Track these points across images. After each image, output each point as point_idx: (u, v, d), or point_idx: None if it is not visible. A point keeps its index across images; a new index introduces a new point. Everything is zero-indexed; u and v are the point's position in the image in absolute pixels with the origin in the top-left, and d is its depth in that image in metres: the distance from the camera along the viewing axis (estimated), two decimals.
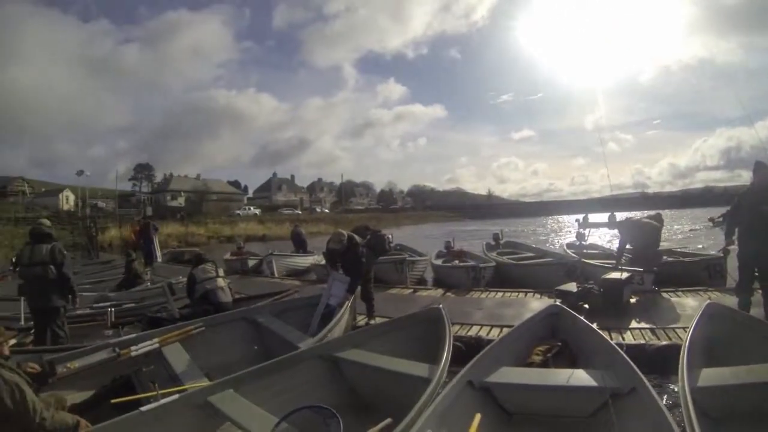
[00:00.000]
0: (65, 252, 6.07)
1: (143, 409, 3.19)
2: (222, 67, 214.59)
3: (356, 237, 6.93)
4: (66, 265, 5.88)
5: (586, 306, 6.70)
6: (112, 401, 3.74)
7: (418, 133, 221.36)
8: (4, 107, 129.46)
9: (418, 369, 3.83)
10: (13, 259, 13.70)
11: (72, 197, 60.36)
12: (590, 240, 13.10)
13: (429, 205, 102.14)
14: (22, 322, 6.36)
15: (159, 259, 15.30)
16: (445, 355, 3.93)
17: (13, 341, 4.38)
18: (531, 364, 4.13)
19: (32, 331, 5.95)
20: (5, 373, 3.06)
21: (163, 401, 3.33)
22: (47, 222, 6.47)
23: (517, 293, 8.61)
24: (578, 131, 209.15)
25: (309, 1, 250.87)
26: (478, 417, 2.92)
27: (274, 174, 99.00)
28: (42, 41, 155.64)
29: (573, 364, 4.07)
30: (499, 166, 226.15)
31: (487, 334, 6.09)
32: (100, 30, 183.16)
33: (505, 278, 10.89)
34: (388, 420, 2.86)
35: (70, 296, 6.00)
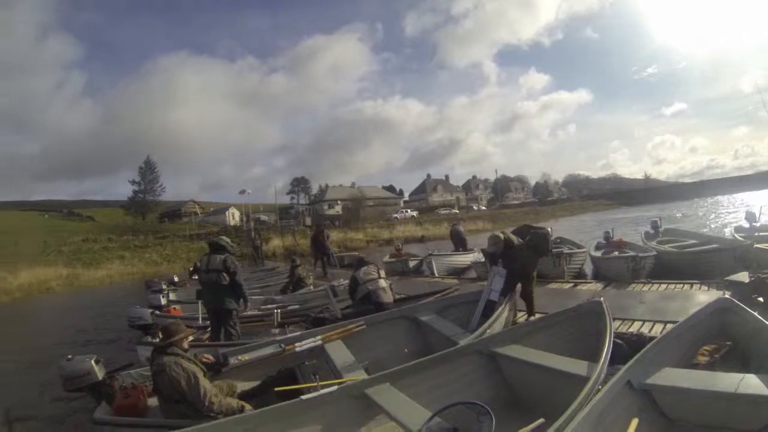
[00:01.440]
0: (237, 262, 6.85)
1: (304, 397, 3.52)
2: (364, 80, 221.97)
3: (513, 238, 6.88)
4: (237, 274, 6.63)
5: (761, 299, 5.77)
6: (276, 389, 4.17)
7: (567, 120, 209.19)
8: (174, 144, 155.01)
9: (576, 366, 3.71)
10: (191, 269, 15.75)
11: (237, 213, 68.15)
12: (763, 220, 12.10)
13: (585, 194, 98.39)
14: (200, 322, 7.34)
15: (337, 266, 15.95)
16: (605, 353, 3.75)
17: (191, 338, 5.04)
18: (696, 366, 3.79)
19: (208, 329, 6.83)
20: (184, 363, 3.77)
21: (322, 391, 3.62)
22: (225, 238, 7.33)
23: (681, 285, 8.02)
24: (735, 97, 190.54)
25: (436, 5, 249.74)
26: (635, 422, 2.80)
27: (428, 175, 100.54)
28: (198, 84, 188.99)
29: (744, 368, 3.59)
30: (654, 146, 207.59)
31: (649, 331, 5.70)
32: (247, 66, 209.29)
33: (668, 268, 10.23)
34: (541, 420, 2.81)
35: (241, 300, 6.76)
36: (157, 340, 4.39)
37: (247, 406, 3.87)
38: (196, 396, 3.70)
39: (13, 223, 53.66)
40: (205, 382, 3.81)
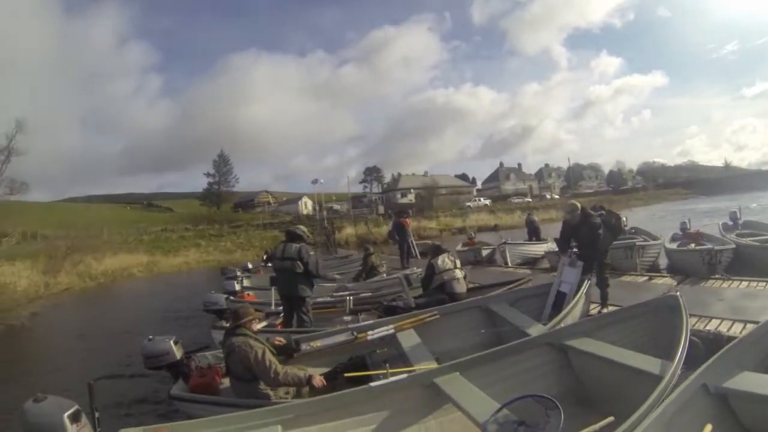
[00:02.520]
0: (312, 252, 7.05)
1: (373, 384, 3.59)
2: (435, 68, 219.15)
3: (589, 209, 6.81)
4: (311, 263, 6.79)
5: None
6: (346, 375, 4.29)
7: (641, 105, 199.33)
8: (249, 138, 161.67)
9: (649, 364, 3.55)
10: (264, 257, 16.30)
11: (309, 203, 69.89)
12: None
13: (660, 183, 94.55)
14: (272, 308, 7.61)
15: (417, 255, 15.92)
16: (680, 352, 3.57)
17: (264, 323, 5.29)
18: None
19: (281, 315, 7.04)
20: (251, 341, 4.12)
21: (392, 379, 3.69)
22: (302, 227, 7.59)
23: (764, 283, 7.49)
24: None
25: None
26: (708, 428, 2.67)
27: (501, 164, 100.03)
28: (270, 79, 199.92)
29: None
30: (734, 131, 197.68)
31: (728, 330, 5.39)
32: (317, 60, 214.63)
33: (748, 264, 9.71)
34: (611, 418, 2.73)
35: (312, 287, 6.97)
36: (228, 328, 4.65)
37: (317, 376, 4.10)
38: (263, 369, 3.99)
39: (99, 215, 57.47)
40: (270, 357, 4.10)
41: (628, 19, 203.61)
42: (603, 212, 7.15)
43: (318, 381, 4.08)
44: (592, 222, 6.58)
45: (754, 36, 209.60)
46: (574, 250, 6.68)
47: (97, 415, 2.83)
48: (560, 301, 6.02)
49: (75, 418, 2.58)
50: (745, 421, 3.14)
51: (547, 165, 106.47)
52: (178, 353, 4.49)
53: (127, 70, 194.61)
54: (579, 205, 6.85)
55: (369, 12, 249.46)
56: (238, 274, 12.01)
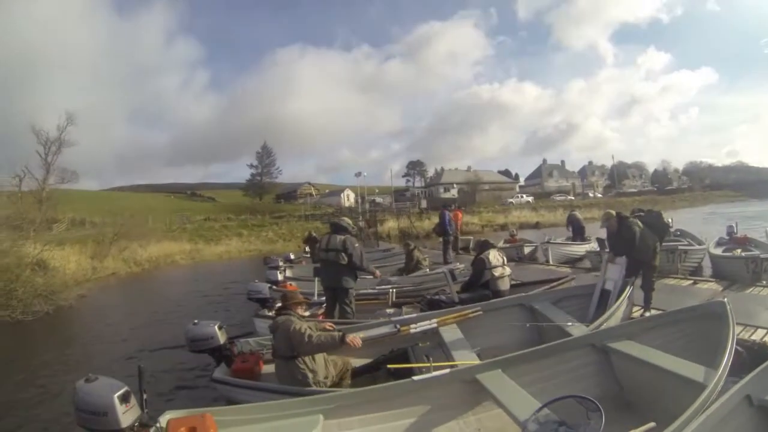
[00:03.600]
0: (356, 244, 7.05)
1: (415, 378, 3.62)
2: (480, 64, 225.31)
3: (624, 214, 6.88)
4: (356, 255, 6.82)
5: None
6: (389, 366, 4.32)
7: (689, 103, 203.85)
8: (295, 131, 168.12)
9: (693, 371, 3.46)
10: (307, 248, 16.46)
11: (352, 195, 70.58)
12: None
13: (707, 184, 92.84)
14: (315, 298, 7.69)
15: (458, 251, 15.96)
16: (725, 360, 3.46)
17: (307, 312, 5.36)
18: None
19: (323, 305, 7.14)
20: (295, 320, 4.29)
21: (434, 373, 3.72)
22: (347, 219, 7.61)
23: None
24: None
25: None
26: None
27: (544, 161, 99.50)
28: (316, 73, 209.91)
29: None
30: None
31: None
32: (363, 54, 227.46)
33: None
34: (652, 424, 2.70)
35: (356, 278, 7.06)
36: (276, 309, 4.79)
37: (350, 336, 4.24)
38: (299, 338, 4.10)
39: (144, 203, 59.38)
40: (308, 328, 4.23)
41: (676, 14, 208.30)
42: (642, 213, 7.12)
43: (351, 339, 4.18)
44: (629, 227, 6.51)
45: None
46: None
47: (144, 396, 2.91)
48: (605, 299, 5.96)
49: (124, 398, 2.65)
50: None
51: (590, 163, 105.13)
52: (221, 338, 4.61)
53: (175, 65, 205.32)
54: (613, 212, 6.89)
55: (414, 7, 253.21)
56: (281, 263, 12.15)
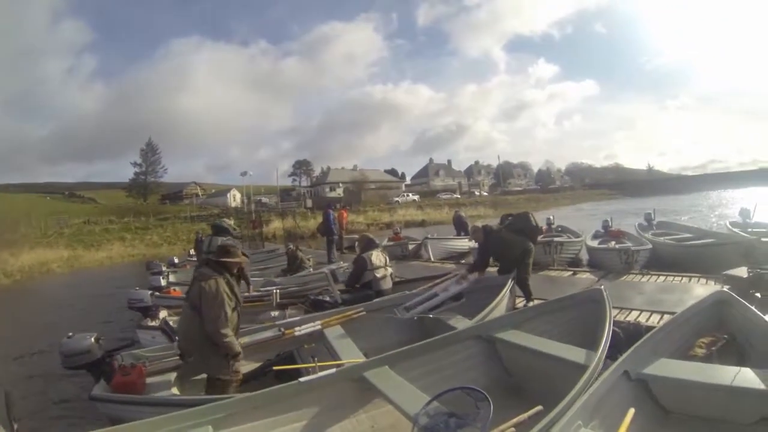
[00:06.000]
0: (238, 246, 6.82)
1: (302, 379, 3.54)
2: (376, 65, 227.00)
3: (492, 226, 7.20)
4: None
5: (758, 294, 5.76)
6: (275, 368, 4.29)
7: (573, 110, 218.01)
8: (186, 127, 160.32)
9: (575, 354, 3.72)
10: (191, 251, 15.79)
11: (238, 195, 68.29)
12: (756, 218, 12.34)
13: (587, 183, 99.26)
14: None
15: (342, 250, 15.96)
16: (604, 341, 3.77)
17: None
18: (693, 358, 3.82)
19: None
20: (222, 283, 4.03)
21: (320, 374, 3.66)
22: (228, 221, 7.43)
23: (680, 277, 8.13)
24: (742, 93, 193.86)
25: None
26: (631, 412, 2.78)
27: (431, 160, 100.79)
28: (211, 68, 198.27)
29: (741, 362, 3.64)
30: (657, 138, 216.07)
31: (647, 321, 5.79)
32: (260, 50, 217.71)
33: (664, 261, 10.29)
34: (539, 407, 2.83)
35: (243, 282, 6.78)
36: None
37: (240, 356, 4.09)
38: (213, 316, 3.90)
39: (15, 205, 53.71)
40: (229, 311, 4.00)
41: (566, 32, 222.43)
42: (510, 218, 7.44)
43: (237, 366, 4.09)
44: (496, 238, 6.88)
45: (683, 52, 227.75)
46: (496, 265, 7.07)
47: (15, 426, 2.62)
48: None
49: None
50: (665, 404, 3.35)
51: (477, 162, 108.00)
52: (99, 351, 4.22)
53: (59, 50, 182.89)
54: (479, 225, 7.30)
55: (317, 7, 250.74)
56: (164, 269, 11.59)
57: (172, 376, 4.46)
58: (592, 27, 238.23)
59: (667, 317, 5.17)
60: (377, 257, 7.15)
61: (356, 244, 9.64)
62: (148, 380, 4.31)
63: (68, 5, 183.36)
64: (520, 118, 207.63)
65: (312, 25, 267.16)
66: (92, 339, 4.22)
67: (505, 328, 4.48)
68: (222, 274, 4.12)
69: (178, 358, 4.52)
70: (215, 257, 4.26)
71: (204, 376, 4.20)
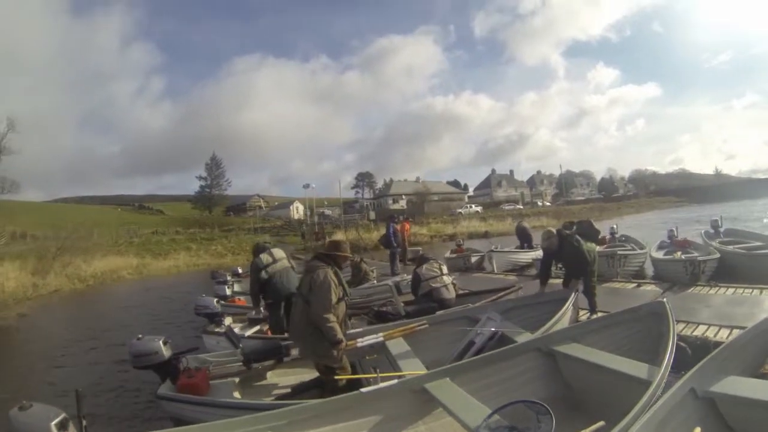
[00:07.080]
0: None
1: (364, 390, 3.55)
2: (436, 76, 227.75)
3: (565, 231, 6.99)
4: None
5: None
6: (337, 377, 4.25)
7: (635, 115, 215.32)
8: (250, 141, 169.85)
9: (638, 369, 3.57)
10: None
11: (301, 207, 69.99)
12: None
13: (652, 190, 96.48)
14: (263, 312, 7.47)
15: (405, 263, 15.92)
16: (668, 356, 3.59)
17: (256, 328, 5.25)
18: (765, 376, 3.68)
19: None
20: (332, 274, 4.29)
21: (382, 384, 3.65)
22: (266, 237, 7.55)
23: (750, 289, 7.66)
24: None
25: (503, 4, 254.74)
26: (697, 431, 2.64)
27: (493, 170, 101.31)
28: (273, 84, 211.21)
29: None
30: (725, 140, 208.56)
31: (715, 336, 5.52)
32: (321, 65, 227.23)
33: (733, 271, 9.76)
34: (601, 423, 2.73)
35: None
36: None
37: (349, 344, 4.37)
38: (318, 301, 4.13)
39: (90, 216, 57.04)
40: (334, 299, 4.21)
41: (624, 34, 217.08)
42: (574, 226, 7.33)
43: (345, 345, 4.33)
44: (571, 243, 6.68)
45: (746, 47, 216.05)
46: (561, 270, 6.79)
47: (84, 423, 2.75)
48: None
49: (62, 426, 2.49)
50: (732, 424, 3.16)
51: (539, 172, 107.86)
52: (166, 353, 4.43)
53: (129, 72, 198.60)
54: (554, 230, 7.07)
55: (375, 21, 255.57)
56: (228, 278, 11.93)
57: (235, 380, 4.64)
58: (649, 27, 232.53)
59: (736, 332, 4.98)
60: (428, 268, 7.22)
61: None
62: (212, 383, 4.51)
63: (137, 30, 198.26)
64: (581, 125, 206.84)
65: (371, 39, 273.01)
66: (160, 341, 4.44)
67: (565, 341, 4.38)
68: (330, 266, 4.36)
69: (241, 364, 4.67)
70: (325, 251, 4.57)
71: (266, 382, 4.30)
